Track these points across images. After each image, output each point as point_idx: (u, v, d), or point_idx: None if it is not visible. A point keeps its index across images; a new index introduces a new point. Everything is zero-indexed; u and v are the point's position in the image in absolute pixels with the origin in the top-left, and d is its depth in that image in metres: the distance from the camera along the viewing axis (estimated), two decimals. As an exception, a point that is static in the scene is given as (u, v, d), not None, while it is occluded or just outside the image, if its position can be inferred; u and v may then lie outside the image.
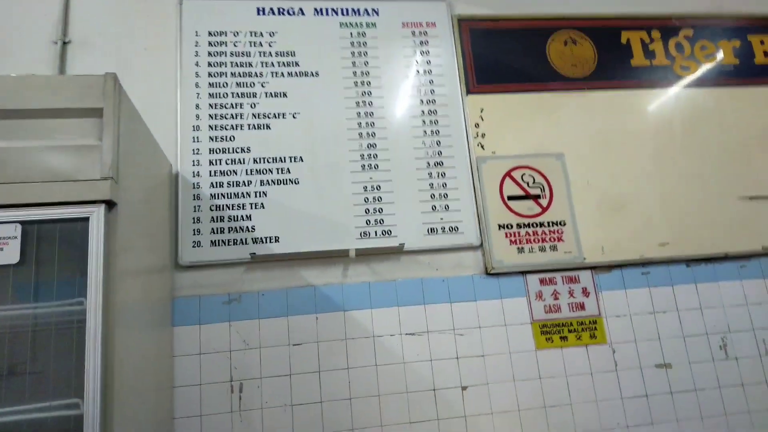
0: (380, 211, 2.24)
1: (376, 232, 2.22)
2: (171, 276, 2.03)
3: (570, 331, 2.20)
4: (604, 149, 2.42)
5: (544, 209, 2.32)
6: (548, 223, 2.30)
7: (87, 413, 1.27)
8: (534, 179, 2.34)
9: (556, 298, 2.23)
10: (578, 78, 2.52)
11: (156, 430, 1.71)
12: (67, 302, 1.39)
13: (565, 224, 2.30)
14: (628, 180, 2.40)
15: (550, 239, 2.28)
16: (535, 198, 2.32)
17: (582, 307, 2.23)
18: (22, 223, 1.37)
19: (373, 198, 2.25)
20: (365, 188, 2.26)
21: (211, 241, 2.11)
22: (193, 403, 1.94)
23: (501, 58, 2.49)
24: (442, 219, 2.26)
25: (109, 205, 1.42)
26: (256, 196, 2.19)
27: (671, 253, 2.31)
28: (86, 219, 1.38)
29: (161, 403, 1.80)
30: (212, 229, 2.13)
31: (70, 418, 1.31)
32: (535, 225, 2.29)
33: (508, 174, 2.34)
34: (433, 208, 2.27)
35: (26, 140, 1.43)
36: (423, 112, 2.38)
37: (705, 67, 2.63)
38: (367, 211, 2.23)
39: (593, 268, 2.28)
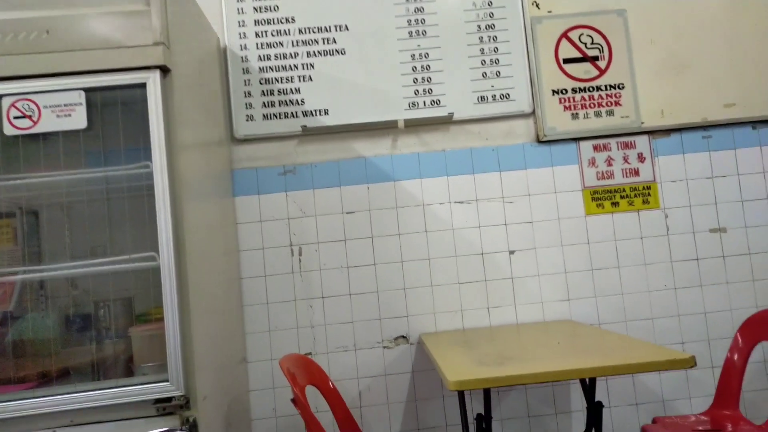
0: (429, 80, 2.19)
1: (425, 102, 2.19)
2: (228, 149, 2.12)
3: (622, 197, 2.18)
4: (671, 2, 2.23)
5: (602, 72, 2.20)
6: (606, 86, 2.20)
7: (163, 264, 1.40)
8: (592, 39, 2.21)
9: (609, 165, 2.19)
10: None
11: (227, 287, 1.88)
12: (135, 165, 1.48)
13: (623, 87, 2.20)
14: (695, 37, 2.22)
15: (606, 104, 2.20)
16: (593, 60, 2.21)
17: (636, 173, 2.19)
18: (85, 90, 1.43)
19: (422, 66, 2.20)
20: (413, 56, 2.20)
21: (263, 115, 2.16)
22: (257, 264, 2.10)
23: None
24: (492, 86, 2.20)
25: (164, 71, 1.46)
26: (303, 68, 2.18)
27: (737, 114, 2.19)
28: (143, 85, 1.43)
29: (230, 265, 1.96)
30: (263, 102, 2.16)
31: (149, 270, 1.46)
32: (591, 89, 2.20)
33: (564, 35, 2.21)
34: (484, 75, 2.20)
35: (76, 8, 1.46)
36: (473, -31, 2.23)
37: None
38: (415, 80, 2.19)
39: (651, 132, 2.20)
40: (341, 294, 2.11)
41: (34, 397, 1.37)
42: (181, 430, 1.35)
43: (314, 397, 1.95)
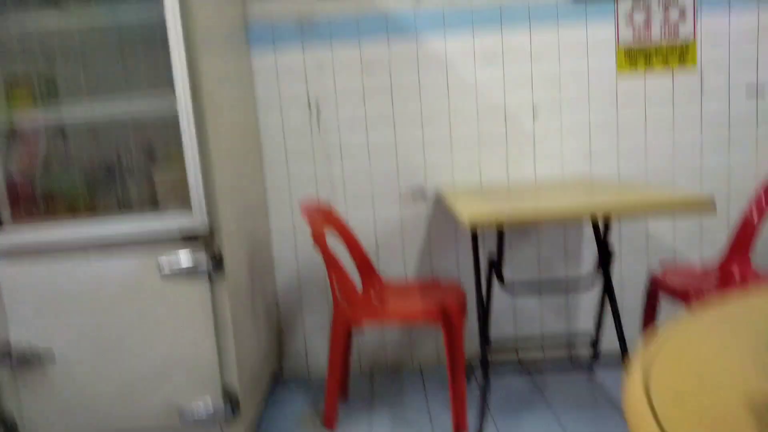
0: (457, -76, 2.01)
1: (451, -51, 2.03)
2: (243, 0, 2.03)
3: (657, 55, 2.06)
4: None
5: None
6: (651, -70, 1.99)
7: (180, 103, 1.39)
8: None
9: (647, 23, 2.05)
10: None
11: (245, 138, 1.89)
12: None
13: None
14: None
15: (650, -49, 2.00)
16: None
17: (675, 31, 2.05)
18: None
19: None
20: None
21: (278, -40, 2.03)
22: (275, 120, 2.10)
23: None
24: (526, -68, 2.01)
25: None
26: None
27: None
28: None
29: (247, 119, 1.95)
30: (278, -54, 2.02)
31: (168, 118, 1.45)
32: (634, -66, 2.00)
33: None
34: None
35: None
36: None
37: None
38: (442, -76, 2.01)
39: (696, -16, 2.03)
40: (359, 147, 2.11)
41: (68, 227, 1.45)
42: (208, 261, 1.42)
43: (332, 245, 2.02)
